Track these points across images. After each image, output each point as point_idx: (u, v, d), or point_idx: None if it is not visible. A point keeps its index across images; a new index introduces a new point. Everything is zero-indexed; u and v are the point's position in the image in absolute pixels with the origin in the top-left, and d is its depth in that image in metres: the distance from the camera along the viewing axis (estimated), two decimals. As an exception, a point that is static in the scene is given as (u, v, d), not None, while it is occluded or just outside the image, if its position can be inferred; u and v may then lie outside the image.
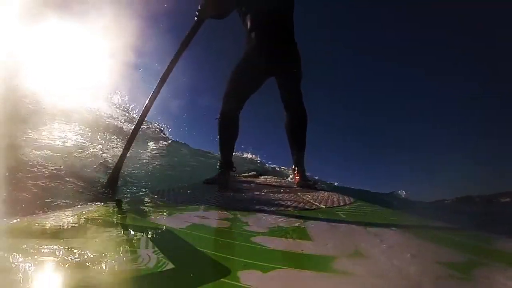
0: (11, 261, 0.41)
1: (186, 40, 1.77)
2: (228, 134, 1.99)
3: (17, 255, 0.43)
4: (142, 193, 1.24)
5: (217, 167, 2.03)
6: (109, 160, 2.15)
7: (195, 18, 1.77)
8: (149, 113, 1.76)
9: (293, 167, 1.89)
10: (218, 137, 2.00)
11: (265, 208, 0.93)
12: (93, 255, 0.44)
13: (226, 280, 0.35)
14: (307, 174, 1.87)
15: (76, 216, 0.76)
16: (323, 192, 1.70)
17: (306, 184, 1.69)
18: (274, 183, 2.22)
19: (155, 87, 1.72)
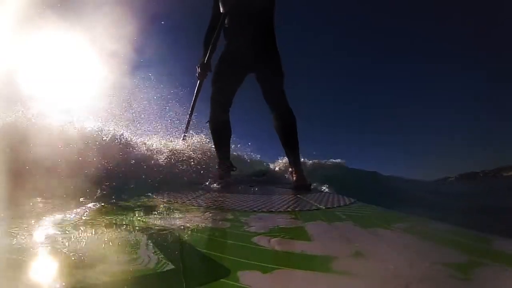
0: (10, 261, 0.41)
1: (196, 94, 2.10)
2: (221, 134, 2.01)
3: (17, 255, 0.43)
4: (142, 193, 1.24)
5: (216, 167, 2.04)
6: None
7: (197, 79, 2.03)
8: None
9: (289, 169, 1.89)
10: (212, 139, 2.02)
11: (265, 208, 0.93)
12: (93, 256, 0.44)
13: (226, 281, 0.35)
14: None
15: (76, 216, 0.76)
16: (323, 192, 1.70)
17: (303, 186, 1.68)
18: (274, 184, 2.22)
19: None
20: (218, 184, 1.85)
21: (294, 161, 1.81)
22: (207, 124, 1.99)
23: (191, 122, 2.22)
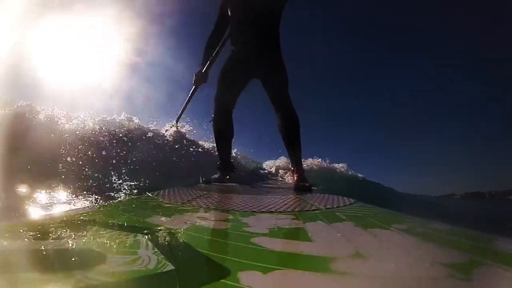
0: (9, 262, 0.41)
1: (188, 99, 2.18)
2: (223, 134, 2.03)
3: (16, 255, 0.43)
4: (142, 193, 1.24)
5: (217, 168, 2.05)
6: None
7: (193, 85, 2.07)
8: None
9: (291, 168, 1.91)
10: (214, 139, 2.04)
11: (265, 209, 0.93)
12: (93, 256, 0.43)
13: (226, 281, 0.35)
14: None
15: (75, 216, 0.76)
16: (323, 193, 1.70)
17: (303, 187, 1.69)
18: (274, 184, 2.22)
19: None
20: (218, 184, 1.87)
21: (296, 162, 1.83)
22: (211, 123, 2.02)
23: (181, 116, 2.43)
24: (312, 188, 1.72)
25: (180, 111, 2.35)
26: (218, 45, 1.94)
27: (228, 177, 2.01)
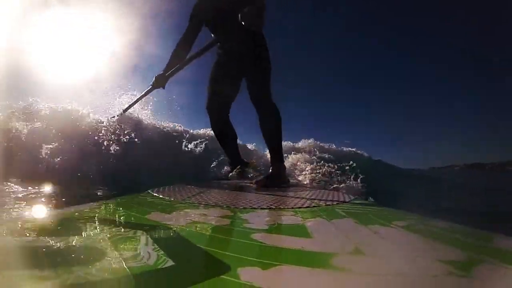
0: (10, 259, 0.41)
1: (142, 96, 2.11)
2: (225, 139, 2.03)
3: (16, 253, 0.43)
4: (142, 190, 1.24)
5: (229, 167, 2.08)
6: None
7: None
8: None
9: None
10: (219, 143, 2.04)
11: (265, 205, 0.93)
12: (93, 253, 0.44)
13: (226, 277, 0.35)
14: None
15: (76, 213, 0.76)
16: (323, 189, 1.70)
17: (271, 183, 1.62)
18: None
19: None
20: (219, 181, 1.88)
21: (274, 158, 1.78)
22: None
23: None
24: (284, 185, 1.69)
25: (129, 105, 2.26)
26: (185, 53, 1.84)
27: (250, 174, 2.02)
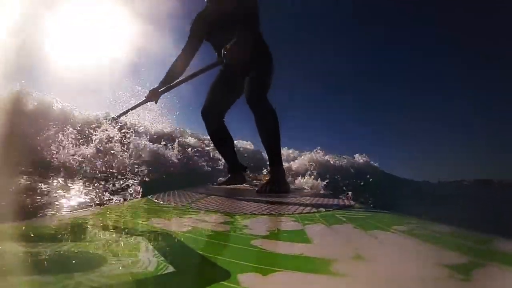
0: (10, 263, 0.41)
1: (135, 107, 2.14)
2: (222, 144, 2.04)
3: (17, 257, 0.43)
4: (142, 196, 1.24)
5: (227, 171, 2.08)
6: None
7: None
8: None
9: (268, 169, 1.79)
10: (215, 147, 2.05)
11: (265, 211, 0.93)
12: (93, 258, 0.44)
13: (226, 283, 0.35)
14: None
15: (76, 218, 0.76)
16: (323, 195, 1.70)
17: (271, 190, 1.57)
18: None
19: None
20: (219, 186, 1.87)
21: (271, 162, 1.75)
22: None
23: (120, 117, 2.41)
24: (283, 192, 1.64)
25: (122, 113, 2.30)
26: (181, 71, 1.86)
27: (239, 178, 2.02)
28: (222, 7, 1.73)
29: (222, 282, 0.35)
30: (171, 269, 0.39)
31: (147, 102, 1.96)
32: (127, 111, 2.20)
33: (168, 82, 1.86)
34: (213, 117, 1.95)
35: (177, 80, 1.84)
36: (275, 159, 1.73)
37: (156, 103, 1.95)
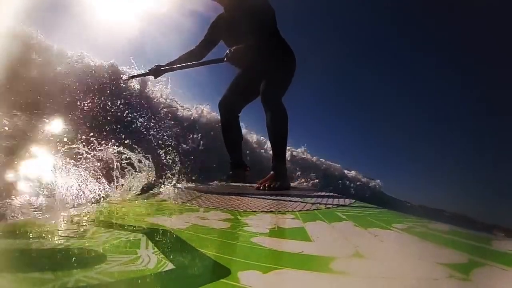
0: (9, 261, 0.41)
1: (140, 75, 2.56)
2: (231, 137, 2.05)
3: (16, 254, 0.43)
4: (142, 192, 1.24)
5: (229, 168, 2.08)
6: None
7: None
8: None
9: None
10: (224, 142, 2.07)
11: (265, 208, 0.93)
12: (93, 255, 0.43)
13: (226, 281, 0.35)
14: None
15: (75, 215, 0.76)
16: (323, 192, 1.70)
17: (269, 186, 1.59)
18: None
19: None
20: (220, 183, 1.88)
21: (275, 162, 1.75)
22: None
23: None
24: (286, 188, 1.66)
25: (132, 76, 2.70)
26: (191, 60, 1.93)
27: (247, 173, 2.04)
28: (238, 13, 1.78)
29: (223, 279, 0.35)
30: (171, 266, 0.39)
31: (148, 75, 2.06)
32: (133, 77, 2.66)
33: (175, 63, 1.96)
34: (228, 111, 1.98)
35: (180, 65, 1.93)
36: (279, 156, 1.77)
37: (155, 78, 2.04)
